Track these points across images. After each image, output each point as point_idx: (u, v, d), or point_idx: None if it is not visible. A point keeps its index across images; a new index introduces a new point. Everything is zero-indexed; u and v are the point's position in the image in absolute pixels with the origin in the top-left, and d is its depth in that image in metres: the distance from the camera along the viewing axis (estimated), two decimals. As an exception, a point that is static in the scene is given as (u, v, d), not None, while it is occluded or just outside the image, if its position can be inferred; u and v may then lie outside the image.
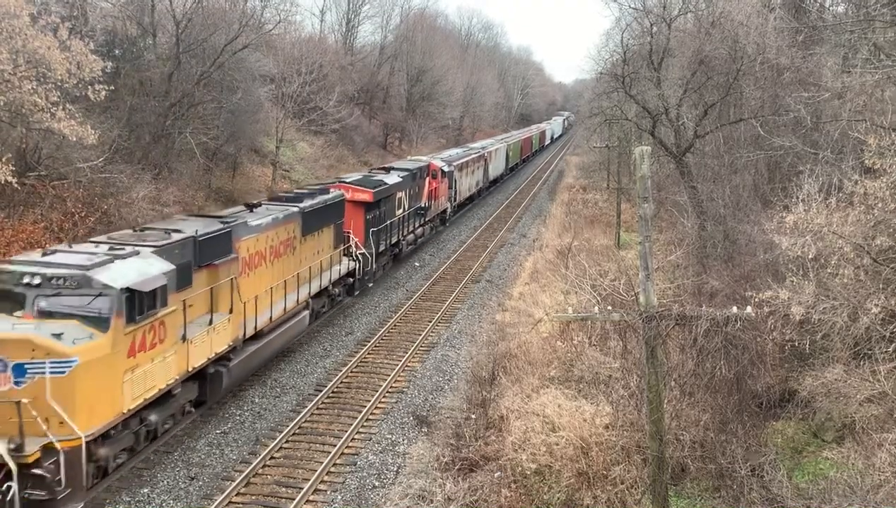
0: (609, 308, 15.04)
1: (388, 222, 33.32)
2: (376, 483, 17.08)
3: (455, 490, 15.46)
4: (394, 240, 34.89)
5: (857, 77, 21.27)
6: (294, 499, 16.11)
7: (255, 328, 21.17)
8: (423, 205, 39.81)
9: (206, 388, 19.25)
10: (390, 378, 22.87)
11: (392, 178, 34.70)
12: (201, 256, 18.42)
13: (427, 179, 41.00)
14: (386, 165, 40.23)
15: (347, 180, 31.48)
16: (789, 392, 17.71)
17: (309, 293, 25.07)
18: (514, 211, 57.08)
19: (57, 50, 23.17)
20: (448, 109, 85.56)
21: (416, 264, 38.27)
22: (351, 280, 29.69)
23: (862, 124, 18.99)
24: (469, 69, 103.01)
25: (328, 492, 16.71)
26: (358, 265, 29.84)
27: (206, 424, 19.49)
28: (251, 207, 23.33)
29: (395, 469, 17.68)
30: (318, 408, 20.80)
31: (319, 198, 26.62)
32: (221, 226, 19.87)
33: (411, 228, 38.00)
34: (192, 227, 19.06)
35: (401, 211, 35.69)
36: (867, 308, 15.17)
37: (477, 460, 16.61)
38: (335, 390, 22.04)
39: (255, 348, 21.16)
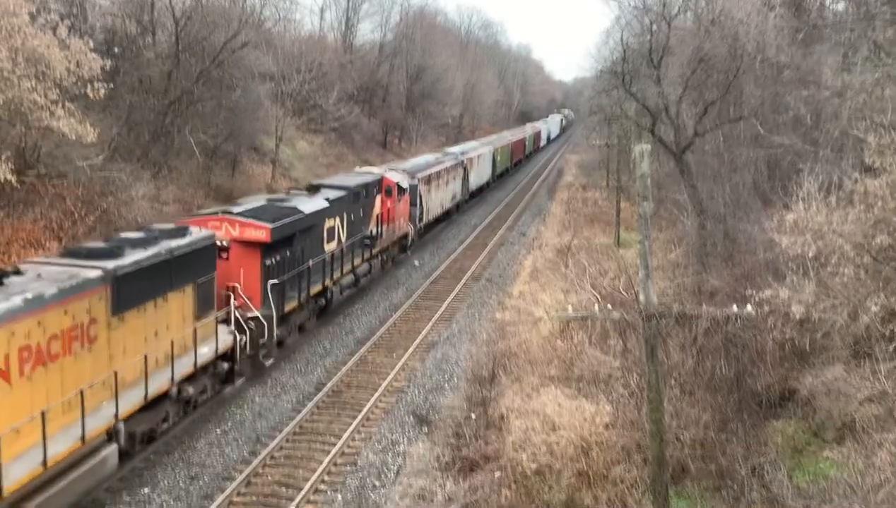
0: (609, 307, 15.04)
1: (308, 265, 24.46)
2: (377, 483, 17.06)
3: (455, 490, 15.47)
4: (317, 288, 25.71)
5: (857, 75, 21.28)
6: (294, 499, 16.11)
7: None
8: (369, 233, 31.18)
9: None
10: (390, 377, 22.87)
11: (314, 203, 25.65)
12: None
13: (378, 198, 32.68)
14: (317, 182, 30.92)
15: (236, 211, 22.15)
16: (789, 391, 17.71)
17: (116, 414, 15.37)
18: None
19: (56, 48, 23.18)
20: (448, 107, 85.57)
21: (416, 263, 38.24)
22: (227, 365, 20.27)
23: (862, 122, 18.97)
24: (469, 67, 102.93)
25: (328, 492, 16.70)
26: (243, 338, 20.64)
27: (206, 423, 19.48)
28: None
29: (396, 468, 17.66)
30: (318, 407, 20.79)
31: (161, 247, 17.28)
32: None
33: (350, 266, 28.96)
34: None
35: (333, 244, 27.03)
36: (867, 306, 15.14)
37: (477, 459, 16.62)
38: (335, 389, 22.04)
39: None
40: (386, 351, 25.41)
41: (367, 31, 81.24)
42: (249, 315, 21.05)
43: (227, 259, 20.91)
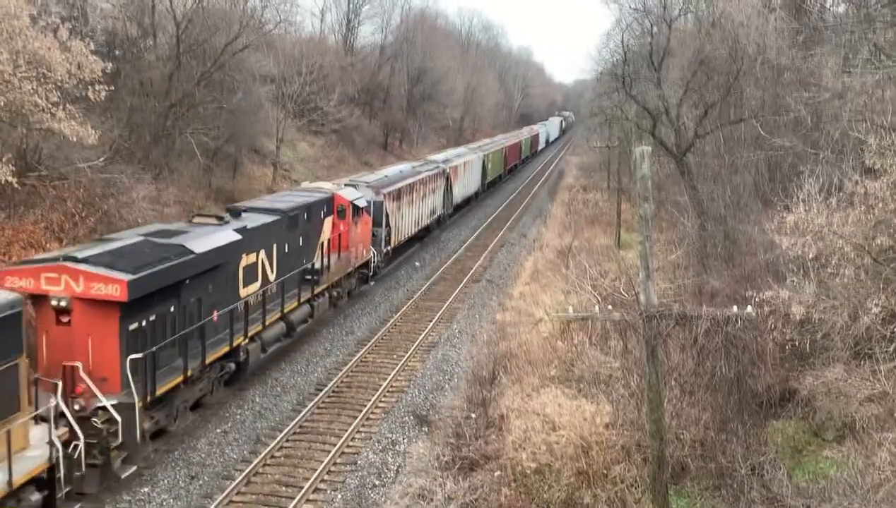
0: (609, 307, 15.07)
1: (207, 320, 18.79)
2: (376, 482, 17.11)
3: (455, 489, 15.47)
4: (222, 349, 19.58)
5: (858, 77, 21.30)
6: (294, 498, 16.14)
7: None
8: (312, 267, 25.55)
9: None
10: (391, 377, 22.90)
11: (218, 237, 19.59)
12: None
13: (327, 221, 27.17)
14: (241, 205, 24.90)
15: (83, 255, 16.25)
16: (790, 391, 17.70)
17: None
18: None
19: (57, 50, 23.21)
20: (449, 110, 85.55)
21: (417, 264, 38.26)
22: (41, 495, 13.96)
23: (862, 124, 19.01)
24: (469, 69, 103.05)
25: (328, 491, 16.74)
26: (77, 445, 14.64)
27: (206, 423, 19.51)
28: None
29: (396, 468, 17.71)
30: (318, 407, 20.82)
31: None
32: None
33: (280, 312, 23.05)
34: None
35: (253, 286, 21.44)
36: (867, 307, 15.18)
37: (477, 459, 16.63)
38: (336, 389, 22.07)
39: None
40: (386, 351, 25.44)
41: (368, 34, 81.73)
42: (98, 404, 15.48)
43: (69, 324, 15.74)
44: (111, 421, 15.53)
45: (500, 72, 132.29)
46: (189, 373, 18.08)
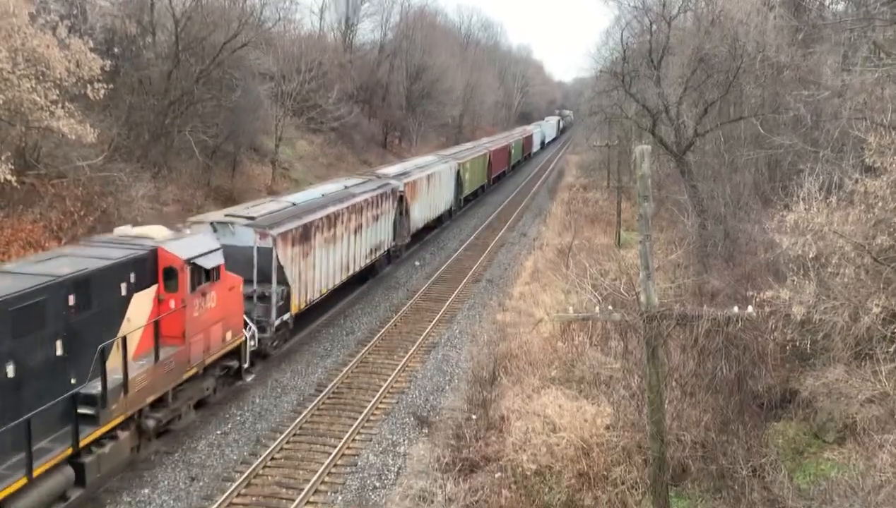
0: (610, 308, 14.99)
1: None
2: (377, 484, 17.07)
3: (456, 491, 15.45)
4: None
5: (857, 75, 21.27)
6: (295, 500, 16.10)
7: None
8: (80, 394, 14.48)
9: None
10: (391, 378, 22.85)
11: None
12: None
13: (139, 298, 16.60)
14: None
15: None
16: (790, 392, 17.69)
17: None
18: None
19: (56, 48, 23.18)
20: (448, 108, 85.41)
21: (417, 264, 38.20)
22: None
23: (862, 122, 18.99)
24: (469, 67, 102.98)
25: (329, 493, 16.70)
26: None
27: (206, 425, 19.46)
28: None
29: (396, 469, 17.67)
30: (318, 409, 20.78)
31: None
32: None
33: None
34: None
35: None
36: (868, 307, 15.14)
37: (477, 460, 16.60)
38: (336, 390, 22.02)
39: None
40: (387, 352, 25.39)
41: (367, 31, 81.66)
42: None
43: None
44: None
45: (499, 70, 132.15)
46: None
